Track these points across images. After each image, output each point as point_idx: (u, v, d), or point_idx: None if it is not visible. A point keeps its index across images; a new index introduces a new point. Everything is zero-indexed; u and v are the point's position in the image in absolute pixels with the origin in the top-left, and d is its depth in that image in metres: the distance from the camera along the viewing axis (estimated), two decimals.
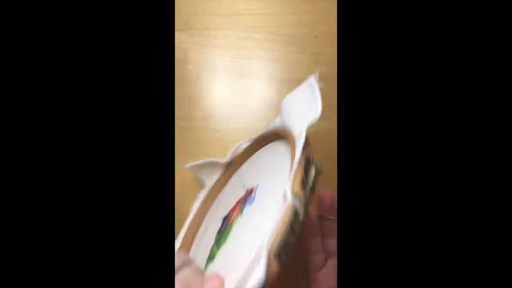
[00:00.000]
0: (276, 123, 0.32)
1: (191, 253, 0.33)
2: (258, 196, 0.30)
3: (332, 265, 0.31)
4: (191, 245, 0.35)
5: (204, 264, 0.30)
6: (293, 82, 0.39)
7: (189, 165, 0.37)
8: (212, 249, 0.31)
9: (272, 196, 0.27)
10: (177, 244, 0.34)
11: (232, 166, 0.36)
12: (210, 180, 0.37)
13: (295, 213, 0.21)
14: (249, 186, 0.31)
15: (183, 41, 0.40)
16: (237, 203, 0.31)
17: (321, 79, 0.28)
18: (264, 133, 0.33)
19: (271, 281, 0.20)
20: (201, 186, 0.38)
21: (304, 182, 0.23)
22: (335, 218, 0.29)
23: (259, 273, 0.19)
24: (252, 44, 0.40)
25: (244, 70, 0.40)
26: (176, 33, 0.40)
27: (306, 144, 0.25)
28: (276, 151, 0.31)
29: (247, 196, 0.31)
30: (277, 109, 0.32)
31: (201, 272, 0.26)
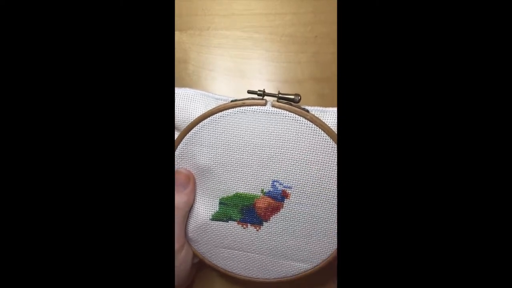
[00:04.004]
0: None
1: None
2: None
3: None
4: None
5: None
6: (293, 82, 0.39)
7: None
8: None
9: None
10: None
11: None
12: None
13: None
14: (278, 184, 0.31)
15: (183, 41, 0.40)
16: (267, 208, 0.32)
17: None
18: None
19: None
20: None
21: None
22: None
23: None
24: (252, 44, 0.40)
25: (244, 70, 0.40)
26: (176, 33, 0.40)
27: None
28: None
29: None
30: None
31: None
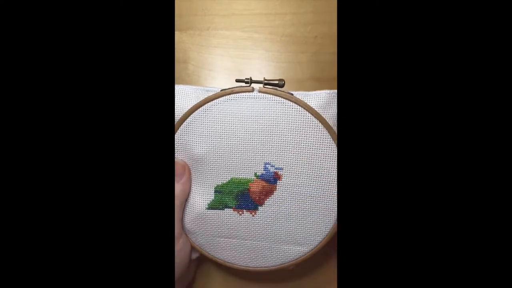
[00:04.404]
0: None
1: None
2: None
3: None
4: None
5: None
6: (293, 82, 0.39)
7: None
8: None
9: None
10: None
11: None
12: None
13: None
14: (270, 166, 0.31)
15: (183, 41, 0.41)
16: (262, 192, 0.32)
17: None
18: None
19: None
20: None
21: None
22: None
23: None
24: (252, 44, 0.40)
25: (244, 70, 0.40)
26: (176, 33, 0.40)
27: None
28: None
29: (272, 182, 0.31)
30: None
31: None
